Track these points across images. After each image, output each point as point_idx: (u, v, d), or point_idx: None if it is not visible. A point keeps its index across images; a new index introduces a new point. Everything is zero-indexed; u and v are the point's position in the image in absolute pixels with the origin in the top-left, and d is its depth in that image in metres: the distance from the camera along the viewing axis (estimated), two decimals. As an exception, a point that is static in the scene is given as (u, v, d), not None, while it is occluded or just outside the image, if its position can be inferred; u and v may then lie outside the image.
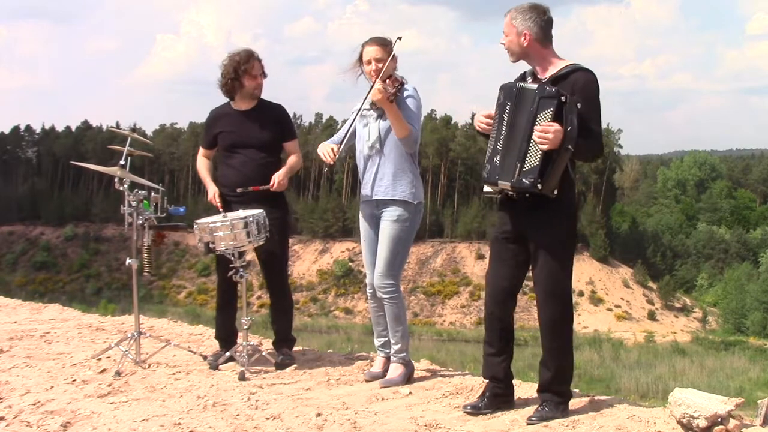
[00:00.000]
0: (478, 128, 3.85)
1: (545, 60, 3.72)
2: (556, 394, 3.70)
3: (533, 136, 3.50)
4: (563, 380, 3.73)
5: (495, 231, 3.90)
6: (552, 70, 3.69)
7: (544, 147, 3.47)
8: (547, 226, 3.65)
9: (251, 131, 4.92)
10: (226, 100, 5.03)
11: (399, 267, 4.45)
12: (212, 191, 4.95)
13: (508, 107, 3.63)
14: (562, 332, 3.70)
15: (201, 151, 5.19)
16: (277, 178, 4.84)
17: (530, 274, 3.79)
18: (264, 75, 4.95)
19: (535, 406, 3.73)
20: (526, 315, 44.78)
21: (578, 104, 3.50)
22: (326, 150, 4.45)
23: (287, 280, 5.20)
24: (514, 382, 3.98)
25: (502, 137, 3.64)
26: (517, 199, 3.68)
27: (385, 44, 4.42)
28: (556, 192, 3.57)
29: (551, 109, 3.47)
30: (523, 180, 3.53)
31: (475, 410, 3.80)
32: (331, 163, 4.45)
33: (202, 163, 5.16)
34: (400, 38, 4.38)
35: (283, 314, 5.08)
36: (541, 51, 3.72)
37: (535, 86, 3.54)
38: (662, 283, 75.82)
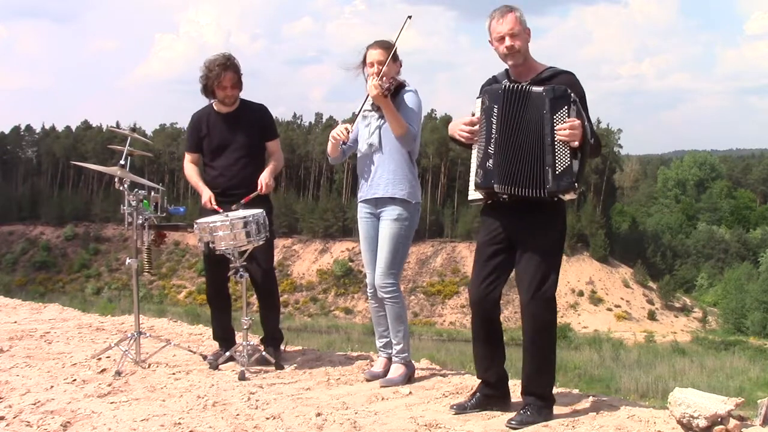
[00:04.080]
0: (460, 138, 3.70)
1: (529, 60, 3.67)
2: (539, 398, 3.65)
3: (557, 138, 3.46)
4: (545, 383, 3.69)
5: (482, 236, 3.81)
6: (532, 73, 3.63)
7: (575, 143, 3.44)
8: (539, 229, 3.61)
9: (235, 133, 4.92)
10: None
11: (399, 266, 4.46)
12: (207, 195, 4.92)
13: (495, 110, 3.56)
14: (545, 336, 3.65)
15: (187, 156, 5.15)
16: (264, 181, 4.86)
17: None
18: (239, 85, 4.88)
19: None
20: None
21: (577, 101, 3.49)
22: (340, 129, 4.47)
23: (274, 279, 5.19)
24: (511, 382, 3.97)
25: (493, 140, 3.57)
26: (509, 203, 3.62)
27: (388, 48, 4.42)
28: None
29: (566, 107, 3.46)
30: (561, 183, 3.48)
31: (460, 409, 3.80)
32: (346, 139, 4.47)
33: (191, 169, 5.13)
34: (410, 17, 4.31)
35: (272, 312, 5.10)
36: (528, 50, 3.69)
37: (541, 89, 3.48)
38: (662, 283, 75.77)
